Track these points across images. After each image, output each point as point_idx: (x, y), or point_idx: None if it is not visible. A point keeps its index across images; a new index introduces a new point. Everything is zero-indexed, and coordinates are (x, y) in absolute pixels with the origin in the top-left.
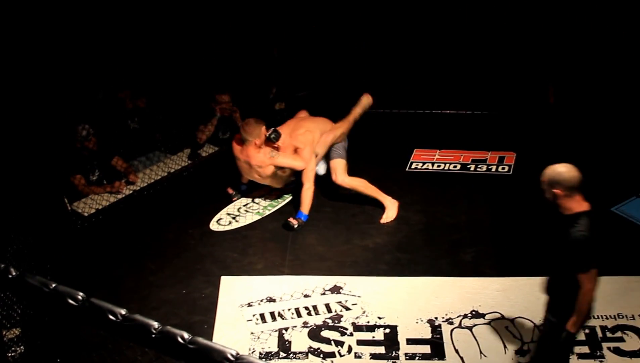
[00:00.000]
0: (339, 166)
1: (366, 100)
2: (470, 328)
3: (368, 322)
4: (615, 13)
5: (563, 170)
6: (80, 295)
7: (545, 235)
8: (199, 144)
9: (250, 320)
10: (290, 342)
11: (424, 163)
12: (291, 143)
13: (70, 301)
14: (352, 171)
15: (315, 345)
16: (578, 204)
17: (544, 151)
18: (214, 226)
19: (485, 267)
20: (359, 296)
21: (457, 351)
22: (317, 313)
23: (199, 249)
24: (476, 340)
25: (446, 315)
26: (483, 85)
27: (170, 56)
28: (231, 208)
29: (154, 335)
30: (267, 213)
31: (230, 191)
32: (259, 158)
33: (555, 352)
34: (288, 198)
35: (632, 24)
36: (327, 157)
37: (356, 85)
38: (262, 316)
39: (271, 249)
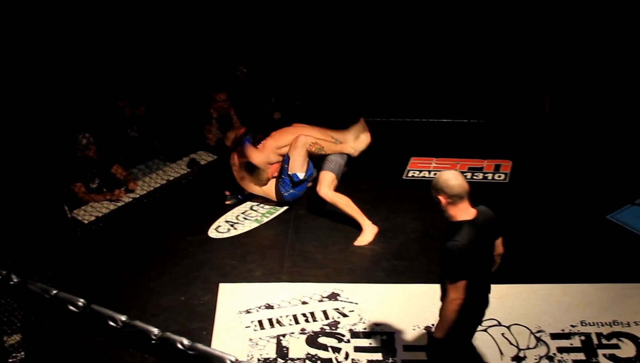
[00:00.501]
0: (326, 179)
1: (366, 138)
2: None
3: (365, 329)
4: (610, 23)
5: (447, 177)
6: (81, 302)
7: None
8: (209, 147)
9: (249, 326)
10: (288, 349)
11: (420, 171)
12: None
13: (71, 307)
14: (349, 179)
15: (313, 351)
16: (462, 213)
17: (540, 159)
18: (212, 233)
19: None
20: (356, 303)
21: None
22: (314, 320)
23: (197, 256)
24: None
25: None
26: (479, 94)
27: (168, 63)
28: (230, 216)
29: (153, 341)
30: (266, 220)
31: (227, 193)
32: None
33: (438, 358)
34: (286, 206)
35: (627, 34)
36: (318, 169)
37: (353, 94)
38: (260, 322)
39: (269, 256)
